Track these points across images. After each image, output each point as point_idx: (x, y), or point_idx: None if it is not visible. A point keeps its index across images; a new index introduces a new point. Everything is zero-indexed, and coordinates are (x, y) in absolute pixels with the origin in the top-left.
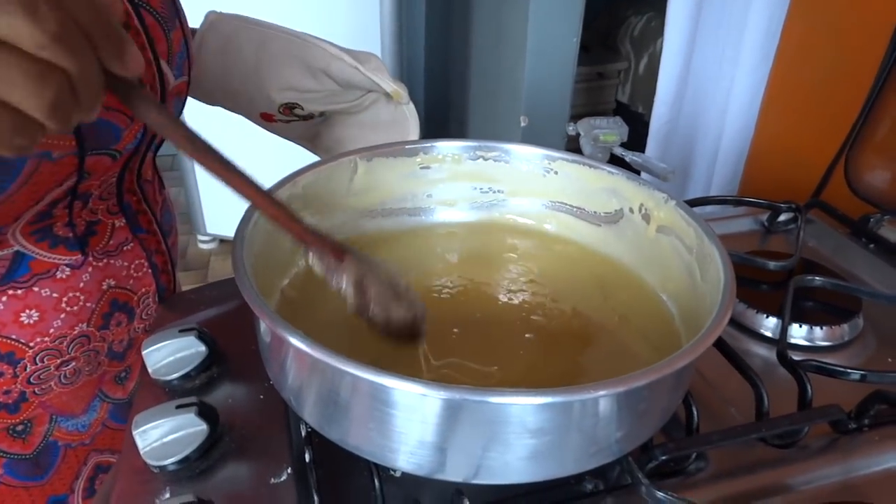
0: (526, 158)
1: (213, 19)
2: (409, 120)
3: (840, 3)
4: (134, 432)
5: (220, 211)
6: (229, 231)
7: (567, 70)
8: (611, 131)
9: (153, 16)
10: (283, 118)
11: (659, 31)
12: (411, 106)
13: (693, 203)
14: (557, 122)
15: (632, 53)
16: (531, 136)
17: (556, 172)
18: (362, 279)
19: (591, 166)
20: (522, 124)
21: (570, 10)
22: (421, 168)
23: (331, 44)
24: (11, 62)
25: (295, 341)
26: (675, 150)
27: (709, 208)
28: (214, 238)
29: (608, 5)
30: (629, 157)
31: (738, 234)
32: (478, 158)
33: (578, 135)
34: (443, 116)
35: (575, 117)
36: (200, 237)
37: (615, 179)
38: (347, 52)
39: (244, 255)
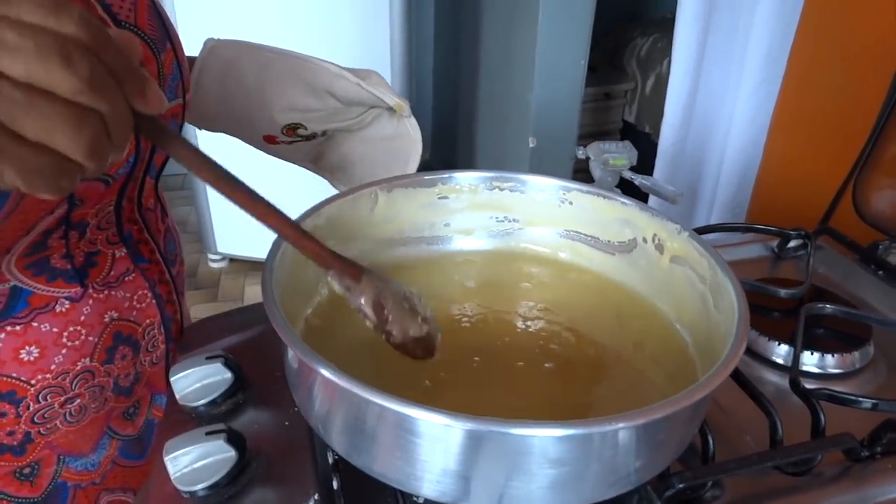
0: (541, 189)
1: (213, 45)
2: (412, 133)
3: (847, 28)
4: (165, 458)
5: (230, 230)
6: (239, 250)
7: (575, 91)
8: (620, 155)
9: (140, 37)
10: (286, 139)
11: (665, 51)
12: (413, 119)
13: (703, 230)
14: (566, 144)
15: (638, 74)
16: (539, 157)
17: (570, 203)
18: (379, 298)
19: (604, 197)
20: (531, 145)
21: (577, 32)
22: (439, 198)
23: (331, 63)
24: (52, 109)
25: (323, 371)
26: (682, 172)
27: (718, 234)
28: (224, 257)
29: (615, 26)
30: (638, 180)
31: (748, 261)
32: (494, 189)
33: (588, 158)
34: (451, 136)
35: (582, 137)
36: (211, 256)
37: (628, 210)
38: (348, 70)
39: (273, 286)
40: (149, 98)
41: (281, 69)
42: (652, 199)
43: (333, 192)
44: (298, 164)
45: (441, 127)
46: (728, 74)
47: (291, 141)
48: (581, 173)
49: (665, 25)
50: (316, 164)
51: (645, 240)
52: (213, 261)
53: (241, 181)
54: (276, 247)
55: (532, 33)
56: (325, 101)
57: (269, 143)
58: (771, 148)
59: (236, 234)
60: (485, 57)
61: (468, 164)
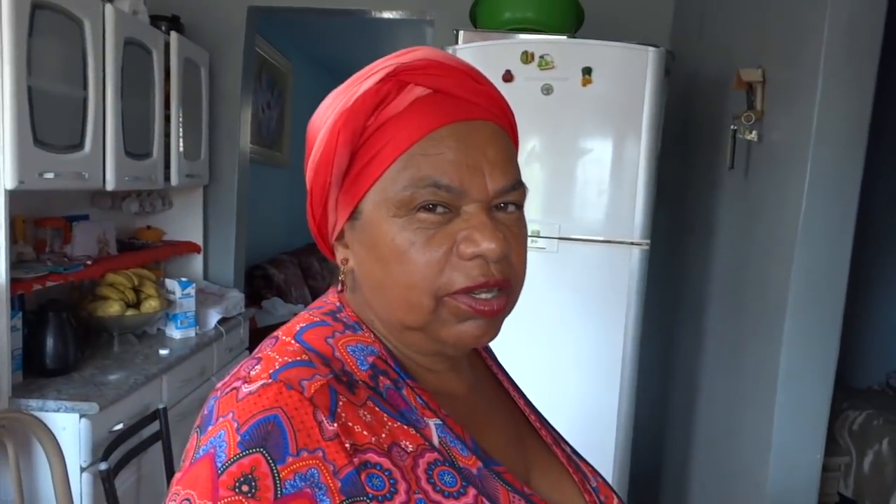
0: None
1: None
2: None
3: None
4: None
5: None
6: None
7: (812, 479)
8: None
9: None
10: None
11: (883, 430)
12: None
13: None
14: None
15: (853, 448)
16: None
17: None
18: None
19: None
20: None
21: (816, 421)
22: None
23: None
24: None
25: None
26: None
27: None
28: None
29: None
30: None
31: None
32: None
33: None
34: (654, 478)
35: None
36: None
37: None
38: None
39: None
40: None
41: None
42: None
43: None
44: None
45: (643, 467)
46: None
47: None
48: None
49: (877, 401)
50: None
51: None
52: None
53: None
54: None
55: (768, 424)
56: None
57: None
58: None
59: None
60: (702, 411)
61: None
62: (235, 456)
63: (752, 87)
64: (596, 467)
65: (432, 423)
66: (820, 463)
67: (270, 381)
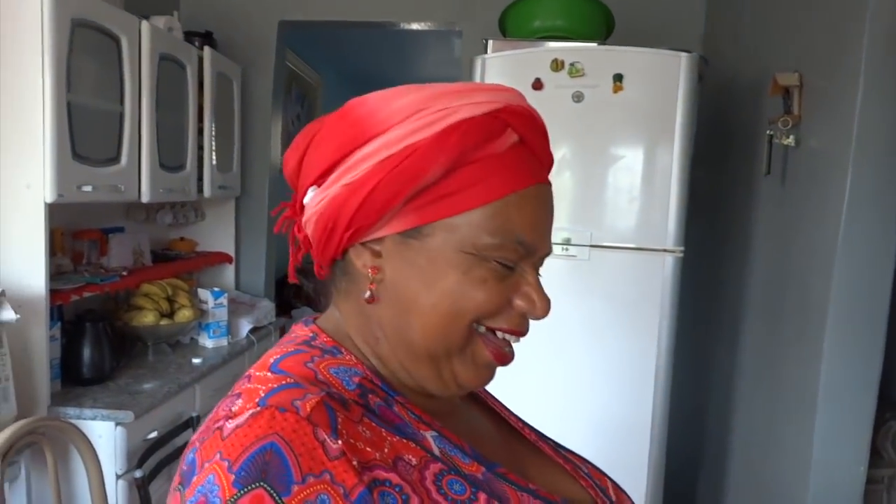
0: None
1: None
2: None
3: None
4: None
5: None
6: None
7: (856, 492)
8: None
9: None
10: None
11: None
12: None
13: None
14: None
15: None
16: None
17: None
18: None
19: None
20: None
21: (858, 435)
22: None
23: None
24: None
25: None
26: None
27: None
28: None
29: None
30: None
31: None
32: None
33: None
34: (689, 496)
35: None
36: None
37: None
38: None
39: None
40: None
41: None
42: None
43: None
44: None
45: (678, 482)
46: None
47: None
48: None
49: None
50: None
51: None
52: None
53: None
54: None
55: (809, 436)
56: None
57: None
58: None
59: None
60: (738, 424)
61: None
62: (233, 497)
63: (788, 92)
64: (626, 482)
65: (429, 434)
66: (863, 476)
67: (259, 408)
